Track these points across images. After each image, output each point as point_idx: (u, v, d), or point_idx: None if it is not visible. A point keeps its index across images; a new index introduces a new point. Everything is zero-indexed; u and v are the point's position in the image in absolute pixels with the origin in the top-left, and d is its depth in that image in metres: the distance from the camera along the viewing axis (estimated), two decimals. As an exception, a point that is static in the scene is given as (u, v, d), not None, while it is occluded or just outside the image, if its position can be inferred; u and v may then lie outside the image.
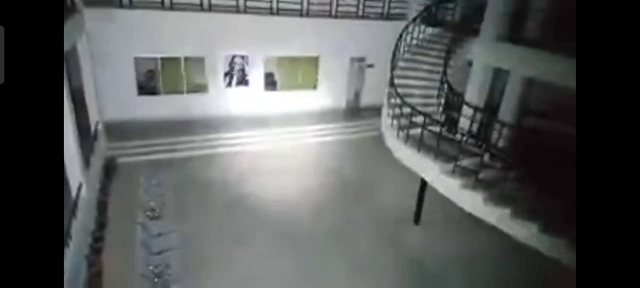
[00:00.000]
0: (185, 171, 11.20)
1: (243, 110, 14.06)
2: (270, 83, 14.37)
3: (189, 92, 13.16)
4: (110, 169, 10.54)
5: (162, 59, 12.45)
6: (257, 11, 13.10)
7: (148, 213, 9.03)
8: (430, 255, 8.78)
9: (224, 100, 13.74)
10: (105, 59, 11.36)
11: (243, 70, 13.67)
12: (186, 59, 12.77)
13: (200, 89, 13.31)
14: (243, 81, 13.80)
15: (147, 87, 12.56)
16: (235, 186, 10.74)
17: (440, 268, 8.40)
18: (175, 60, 12.64)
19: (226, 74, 13.48)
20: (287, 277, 7.78)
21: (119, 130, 11.73)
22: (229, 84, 13.64)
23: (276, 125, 13.81)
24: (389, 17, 15.31)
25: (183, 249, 8.07)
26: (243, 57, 13.52)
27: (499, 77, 8.41)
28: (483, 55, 8.53)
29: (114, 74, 11.81)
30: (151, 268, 7.46)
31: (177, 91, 12.99)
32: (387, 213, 10.16)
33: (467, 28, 10.62)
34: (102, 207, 8.95)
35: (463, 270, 8.39)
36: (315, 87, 15.27)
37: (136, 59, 12.09)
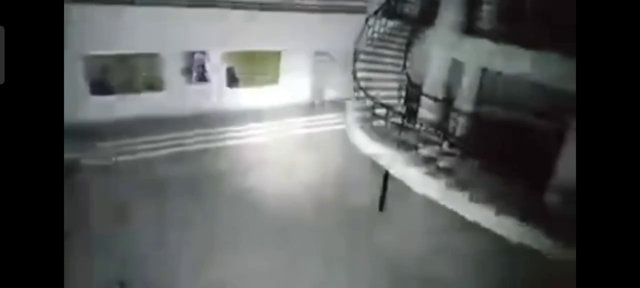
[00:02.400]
0: (149, 171, 10.87)
1: (203, 107, 13.68)
2: (232, 79, 14.09)
3: (145, 90, 12.68)
4: (67, 173, 9.97)
5: (116, 56, 11.90)
6: (216, 5, 12.77)
7: (111, 217, 8.66)
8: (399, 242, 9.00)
9: (184, 97, 13.31)
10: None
11: (203, 66, 13.32)
12: (142, 56, 12.27)
13: (158, 86, 12.84)
14: (203, 78, 13.46)
15: (100, 86, 11.96)
16: (206, 185, 10.55)
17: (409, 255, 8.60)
18: (130, 57, 12.12)
19: (185, 70, 13.08)
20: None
21: (73, 132, 11.07)
22: (189, 81, 13.27)
23: (239, 121, 13.58)
24: (349, 10, 15.36)
25: (149, 254, 7.82)
26: (203, 53, 13.17)
27: (455, 67, 8.64)
28: (438, 46, 8.73)
29: (65, 73, 11.15)
30: (113, 276, 7.16)
31: (132, 90, 12.47)
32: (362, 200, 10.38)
33: (425, 20, 10.82)
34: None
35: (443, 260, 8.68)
36: (277, 82, 15.14)
37: (87, 56, 11.49)
